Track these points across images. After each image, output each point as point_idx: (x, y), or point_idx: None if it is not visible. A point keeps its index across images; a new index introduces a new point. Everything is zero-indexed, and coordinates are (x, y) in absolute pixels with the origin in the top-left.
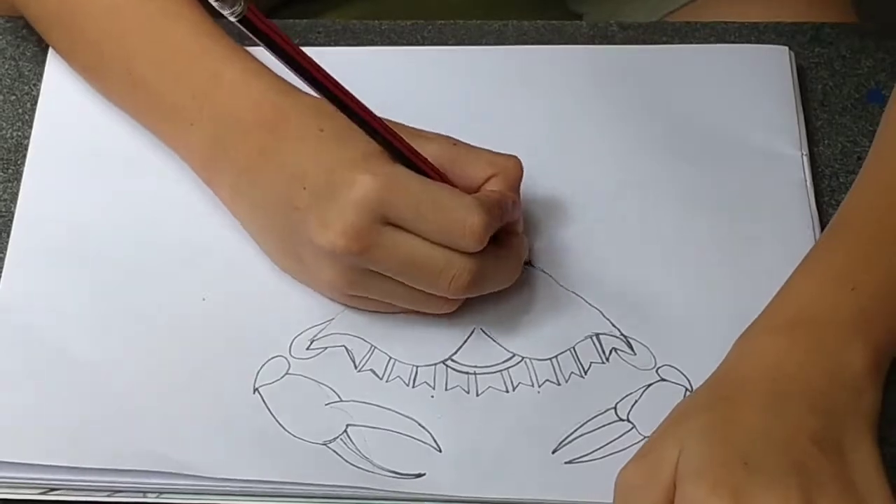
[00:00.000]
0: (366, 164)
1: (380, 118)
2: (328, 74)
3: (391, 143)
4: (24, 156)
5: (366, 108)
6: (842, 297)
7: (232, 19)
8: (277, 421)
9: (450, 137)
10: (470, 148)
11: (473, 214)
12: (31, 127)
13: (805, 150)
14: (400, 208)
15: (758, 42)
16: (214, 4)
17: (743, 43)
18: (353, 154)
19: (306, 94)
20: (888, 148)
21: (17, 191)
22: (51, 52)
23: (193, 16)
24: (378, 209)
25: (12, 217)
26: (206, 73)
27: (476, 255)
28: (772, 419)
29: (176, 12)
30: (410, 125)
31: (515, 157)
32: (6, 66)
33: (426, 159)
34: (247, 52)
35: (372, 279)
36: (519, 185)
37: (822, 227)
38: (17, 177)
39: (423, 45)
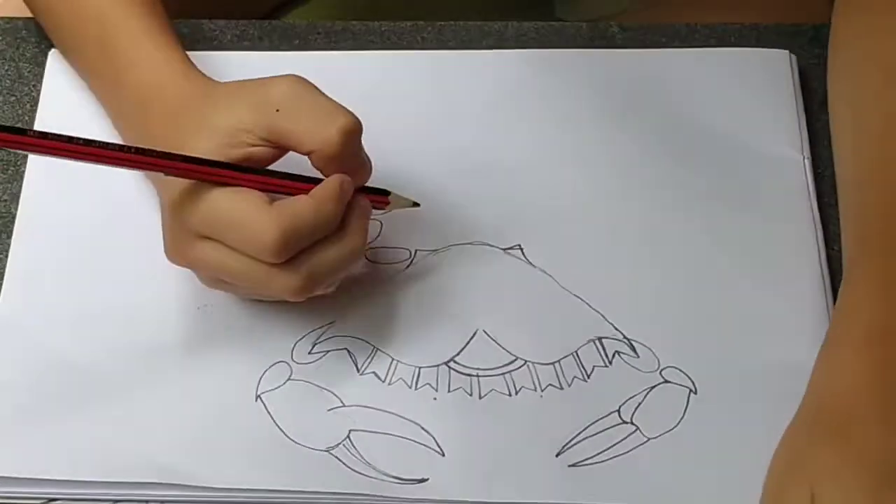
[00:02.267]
0: (167, 182)
1: (175, 164)
2: (115, 153)
3: (187, 172)
4: (24, 157)
5: (158, 162)
6: None
7: None
8: (280, 428)
9: (285, 92)
10: (292, 118)
11: (267, 231)
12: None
13: (807, 154)
14: (201, 224)
15: (758, 43)
16: None
17: (743, 44)
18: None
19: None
20: (879, 145)
21: (18, 192)
22: (51, 54)
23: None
24: (184, 224)
25: (12, 219)
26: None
27: (302, 258)
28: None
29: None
30: (411, 130)
31: (333, 131)
32: (6, 68)
33: (229, 172)
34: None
35: (219, 283)
36: (339, 160)
37: (825, 229)
38: (17, 177)
39: (422, 45)
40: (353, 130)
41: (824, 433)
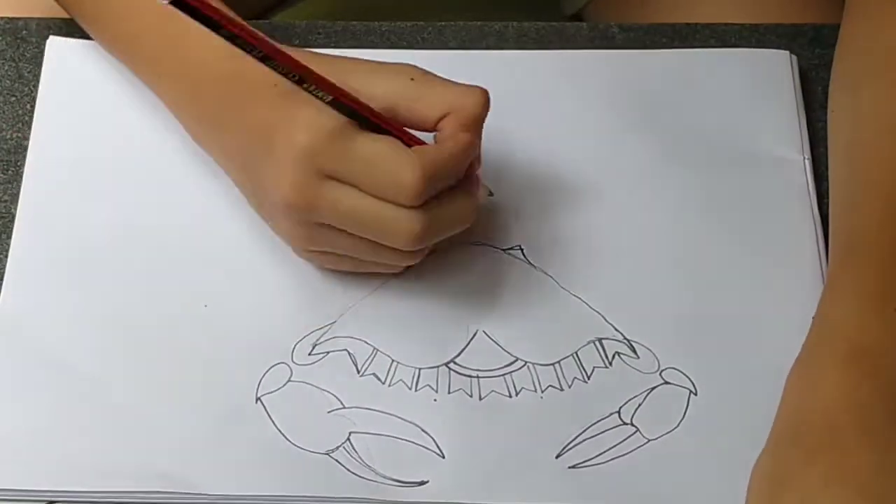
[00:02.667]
0: (305, 120)
1: (329, 81)
2: (275, 46)
3: (342, 104)
4: (24, 157)
5: (314, 73)
6: (887, 321)
7: (163, 2)
8: (280, 431)
9: (410, 70)
10: (427, 84)
11: (408, 171)
12: (30, 128)
13: (807, 154)
14: (337, 164)
15: (758, 43)
16: None
17: (743, 44)
18: (296, 110)
19: None
20: (871, 156)
21: (17, 192)
22: (48, 53)
23: None
24: (315, 165)
25: (12, 219)
26: (175, 29)
27: (424, 205)
28: (878, 454)
29: None
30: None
31: (477, 92)
32: (6, 68)
33: (371, 109)
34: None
35: (326, 234)
36: (477, 123)
37: (825, 230)
38: (16, 178)
39: (423, 46)
40: (488, 95)
41: (809, 451)
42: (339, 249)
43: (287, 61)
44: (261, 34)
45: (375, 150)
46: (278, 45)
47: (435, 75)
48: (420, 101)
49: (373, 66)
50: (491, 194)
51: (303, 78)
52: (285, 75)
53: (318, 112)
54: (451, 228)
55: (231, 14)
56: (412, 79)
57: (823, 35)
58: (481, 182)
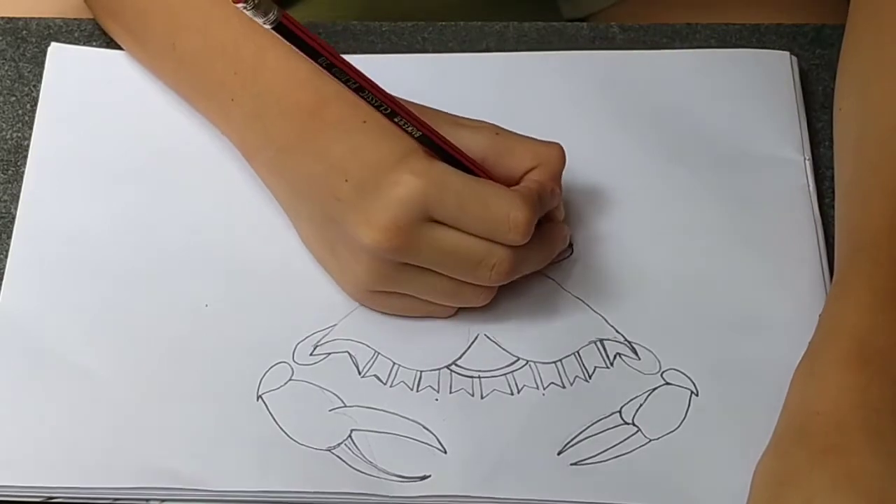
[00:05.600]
0: (409, 162)
1: (419, 117)
2: (367, 77)
3: (432, 140)
4: (24, 157)
5: (405, 107)
6: None
7: (266, 27)
8: (281, 428)
9: (493, 126)
10: (513, 138)
11: (517, 209)
12: (30, 128)
13: (808, 155)
14: (444, 206)
15: (759, 43)
16: (247, 13)
17: (744, 44)
18: (397, 150)
19: None
20: (880, 155)
21: (17, 192)
22: (50, 53)
23: None
24: (422, 207)
25: (12, 219)
26: (251, 50)
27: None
28: (886, 457)
29: None
30: None
31: (558, 146)
32: (6, 68)
33: (466, 154)
34: None
35: (406, 273)
36: (560, 175)
37: (825, 230)
38: (17, 178)
39: (423, 45)
40: (564, 150)
41: (815, 452)
42: (414, 290)
43: (380, 94)
44: (354, 66)
45: (484, 190)
46: (370, 79)
47: (514, 132)
48: (508, 155)
49: (456, 119)
50: (571, 247)
51: (394, 111)
52: (377, 107)
53: (422, 154)
54: (531, 267)
55: (326, 44)
56: (497, 134)
57: (824, 35)
58: (566, 233)
